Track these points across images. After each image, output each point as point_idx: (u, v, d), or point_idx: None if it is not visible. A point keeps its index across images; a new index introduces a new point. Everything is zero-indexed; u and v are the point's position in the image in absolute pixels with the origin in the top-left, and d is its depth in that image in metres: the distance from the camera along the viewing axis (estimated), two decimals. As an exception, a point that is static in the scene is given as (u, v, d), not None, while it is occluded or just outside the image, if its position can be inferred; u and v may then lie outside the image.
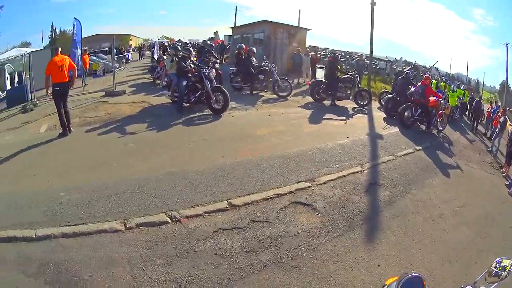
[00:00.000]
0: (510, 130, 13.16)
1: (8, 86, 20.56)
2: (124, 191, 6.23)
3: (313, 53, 24.03)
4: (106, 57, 29.89)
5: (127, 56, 35.08)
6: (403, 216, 6.61)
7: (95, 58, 27.99)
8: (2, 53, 37.86)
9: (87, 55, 22.04)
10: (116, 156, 8.14)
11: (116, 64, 19.66)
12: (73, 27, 18.14)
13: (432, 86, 17.79)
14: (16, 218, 5.49)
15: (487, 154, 14.42)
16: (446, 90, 21.49)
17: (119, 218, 5.49)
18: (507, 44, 43.54)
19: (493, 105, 22.17)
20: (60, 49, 10.90)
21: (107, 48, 36.11)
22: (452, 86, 22.86)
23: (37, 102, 14.85)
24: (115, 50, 20.97)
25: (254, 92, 15.99)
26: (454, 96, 20.26)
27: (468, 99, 22.14)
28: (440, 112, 13.78)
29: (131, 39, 76.70)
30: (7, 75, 21.54)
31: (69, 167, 7.56)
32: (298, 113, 13.35)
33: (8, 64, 22.31)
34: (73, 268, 4.51)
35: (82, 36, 18.58)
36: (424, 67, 49.79)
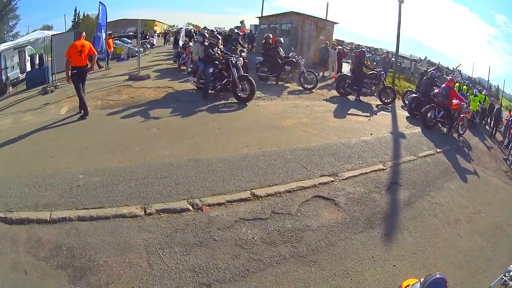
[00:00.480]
0: None
1: (28, 68, 20.72)
2: (145, 176, 6.15)
3: (340, 47, 23.86)
4: (130, 41, 29.97)
5: (152, 41, 35.25)
6: (421, 217, 6.54)
7: (119, 42, 28.24)
8: (23, 35, 38.37)
9: (111, 39, 22.15)
10: (139, 140, 8.05)
11: (140, 49, 19.56)
12: (98, 11, 18.22)
13: (456, 88, 17.59)
14: (30, 200, 5.46)
15: (503, 162, 14.24)
16: (468, 94, 21.31)
17: (139, 203, 5.42)
18: None
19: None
20: (84, 33, 11.01)
21: (131, 33, 36.29)
22: (475, 90, 22.61)
23: (58, 84, 14.83)
24: (140, 35, 20.95)
25: (280, 83, 15.83)
26: (475, 100, 20.09)
27: (488, 105, 21.74)
28: (461, 115, 13.65)
29: (156, 25, 77.20)
30: (28, 57, 21.75)
31: (89, 150, 7.52)
32: (323, 106, 13.20)
33: (28, 46, 22.49)
34: (88, 252, 4.45)
35: (107, 21, 18.66)
36: (448, 68, 49.50)
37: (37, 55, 20.82)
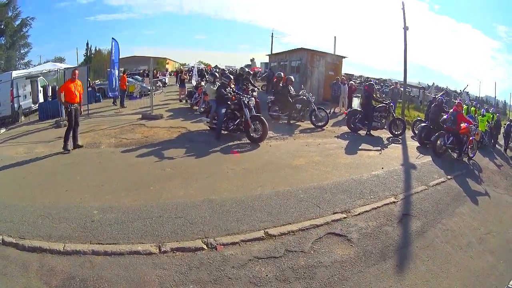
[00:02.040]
0: None
1: (41, 99, 21.13)
2: (160, 215, 6.20)
3: (352, 82, 24.14)
4: (142, 79, 30.51)
5: (164, 80, 35.65)
6: (433, 246, 6.50)
7: (131, 80, 28.61)
8: (35, 65, 39.07)
9: (125, 75, 22.44)
10: (153, 179, 8.14)
11: (152, 87, 19.87)
12: (111, 47, 18.58)
13: (464, 112, 17.70)
14: (43, 230, 5.59)
15: None
16: (476, 115, 21.34)
17: (153, 241, 5.45)
18: None
19: None
20: (77, 72, 11.65)
21: (141, 71, 36.73)
22: (482, 110, 22.71)
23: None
24: (152, 73, 21.31)
25: (291, 122, 15.92)
26: (483, 120, 20.27)
27: (495, 121, 21.59)
28: (470, 138, 13.77)
29: (167, 63, 78.30)
30: (40, 88, 22.19)
31: (103, 187, 7.66)
32: (335, 143, 13.33)
33: (41, 77, 22.92)
34: (102, 285, 4.50)
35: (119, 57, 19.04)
36: (455, 92, 49.85)
37: (50, 87, 21.17)
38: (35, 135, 13.44)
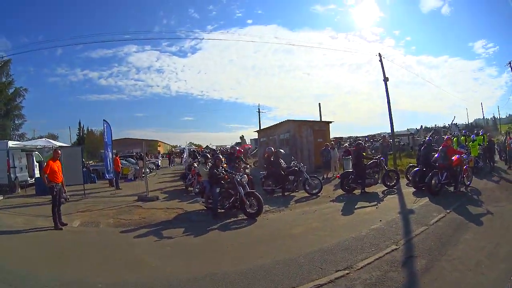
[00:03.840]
0: None
1: (37, 174, 21.70)
2: None
3: (346, 145, 24.71)
4: (135, 161, 31.02)
5: (157, 162, 36.00)
6: (441, 277, 6.48)
7: (125, 162, 29.15)
8: (29, 139, 39.54)
9: (118, 158, 22.83)
10: (154, 257, 8.18)
11: (146, 169, 20.17)
12: (104, 129, 19.11)
13: (454, 144, 18.76)
14: None
15: None
16: (467, 143, 21.85)
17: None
18: (510, 63, 44.38)
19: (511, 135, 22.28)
20: (60, 152, 12.34)
21: (135, 154, 37.14)
22: (472, 136, 23.13)
23: (68, 197, 15.17)
24: (145, 156, 21.71)
25: (286, 193, 16.14)
26: (475, 145, 20.63)
27: (487, 141, 21.49)
28: (464, 167, 14.14)
29: (159, 145, 79.57)
30: (36, 163, 22.90)
31: (106, 264, 7.75)
32: (331, 207, 13.45)
33: (36, 152, 23.42)
34: None
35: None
36: (444, 127, 50.47)
37: (45, 163, 21.72)
38: (32, 208, 13.96)
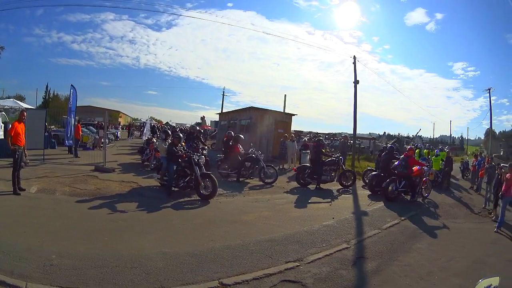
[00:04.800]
0: (497, 175, 13.65)
1: (1, 135, 20.75)
2: (116, 265, 6.28)
3: (305, 138, 24.94)
4: (96, 130, 30.36)
5: (116, 133, 35.50)
6: (392, 280, 6.73)
7: (86, 130, 28.61)
8: None
9: (79, 125, 22.48)
10: (106, 231, 8.23)
11: (106, 140, 20.02)
12: (70, 94, 18.80)
13: (416, 155, 19.06)
14: (5, 266, 5.68)
15: (474, 207, 15.07)
16: (429, 156, 22.59)
17: (112, 288, 5.54)
18: (489, 90, 45.93)
19: (478, 157, 22.89)
20: (25, 114, 12.08)
21: (96, 122, 36.52)
22: (436, 150, 24.13)
23: (28, 161, 14.84)
24: (106, 126, 21.41)
25: (240, 179, 16.40)
26: (437, 160, 21.32)
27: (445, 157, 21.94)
28: (424, 179, 14.56)
29: (120, 116, 78.07)
30: (1, 124, 21.95)
31: (60, 233, 7.73)
32: (284, 198, 13.73)
33: (2, 112, 22.60)
34: None
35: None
36: (408, 137, 51.59)
37: (11, 124, 21.18)
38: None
